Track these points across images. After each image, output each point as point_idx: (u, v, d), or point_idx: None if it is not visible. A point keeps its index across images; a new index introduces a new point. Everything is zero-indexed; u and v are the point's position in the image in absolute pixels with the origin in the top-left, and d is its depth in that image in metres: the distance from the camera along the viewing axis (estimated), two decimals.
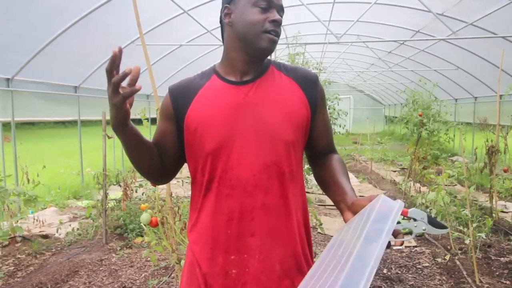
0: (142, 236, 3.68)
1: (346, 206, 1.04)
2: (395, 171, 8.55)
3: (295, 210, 1.14)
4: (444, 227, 0.91)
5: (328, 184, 1.17)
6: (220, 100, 1.11)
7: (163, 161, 1.18)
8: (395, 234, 0.91)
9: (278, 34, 1.09)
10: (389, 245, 0.89)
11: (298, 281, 1.12)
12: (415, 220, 0.91)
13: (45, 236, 4.34)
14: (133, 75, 0.91)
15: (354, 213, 0.99)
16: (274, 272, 1.11)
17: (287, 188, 1.12)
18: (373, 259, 0.77)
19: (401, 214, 0.91)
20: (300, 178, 1.18)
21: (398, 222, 0.91)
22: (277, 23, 1.07)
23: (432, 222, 0.91)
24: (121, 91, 0.93)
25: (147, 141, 1.12)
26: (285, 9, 1.15)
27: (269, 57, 1.22)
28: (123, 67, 0.92)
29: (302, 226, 1.18)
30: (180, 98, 1.15)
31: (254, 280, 1.10)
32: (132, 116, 1.07)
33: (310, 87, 1.17)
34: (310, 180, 6.10)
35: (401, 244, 0.91)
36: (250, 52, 1.11)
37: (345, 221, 1.02)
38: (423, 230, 0.91)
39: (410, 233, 0.92)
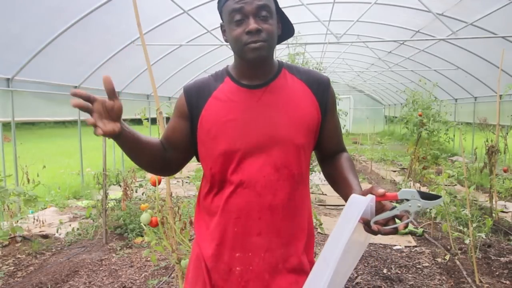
0: (142, 236, 3.69)
1: None
2: (395, 171, 8.55)
3: (302, 211, 1.17)
4: (437, 197, 0.93)
5: (337, 182, 1.20)
6: (234, 102, 1.13)
7: (168, 155, 1.20)
8: (400, 217, 0.94)
9: (260, 40, 1.05)
10: (396, 232, 0.95)
11: (302, 280, 1.15)
12: (407, 200, 0.94)
13: (45, 236, 4.34)
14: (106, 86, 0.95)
15: None
16: (277, 271, 1.13)
17: (296, 190, 1.14)
18: (331, 262, 0.87)
19: (392, 199, 0.95)
20: (307, 180, 1.21)
21: (394, 207, 0.95)
22: (253, 32, 1.04)
23: (425, 196, 0.93)
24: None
25: (147, 141, 1.13)
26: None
27: (277, 59, 1.23)
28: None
29: (306, 226, 1.20)
30: (195, 98, 1.16)
31: (257, 278, 1.12)
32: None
33: (322, 91, 1.18)
34: (310, 180, 6.10)
35: (406, 227, 0.93)
36: (246, 62, 1.12)
37: None
38: (419, 206, 0.93)
39: (409, 214, 0.95)
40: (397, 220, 0.96)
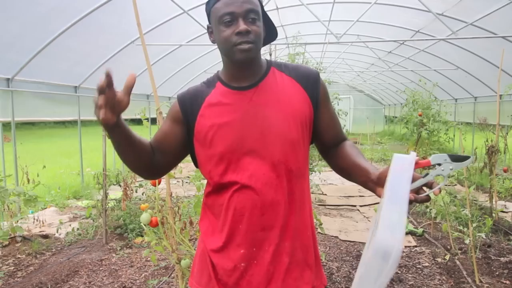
0: (142, 236, 3.68)
1: (374, 183, 1.09)
2: None
3: (303, 205, 1.20)
4: (467, 157, 0.95)
5: (348, 169, 1.21)
6: (227, 105, 1.16)
7: (156, 159, 1.21)
8: (429, 185, 0.96)
9: (249, 41, 1.09)
10: (429, 199, 0.96)
11: (306, 273, 1.19)
12: (439, 165, 0.96)
13: (45, 236, 4.34)
14: (127, 82, 0.98)
15: (383, 185, 1.04)
16: (282, 264, 1.16)
17: (295, 184, 1.17)
18: (399, 210, 0.80)
19: (425, 165, 0.96)
20: (306, 174, 1.23)
21: (427, 174, 0.96)
22: (243, 33, 1.08)
23: (455, 158, 0.96)
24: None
25: (139, 141, 1.14)
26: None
27: (268, 58, 1.24)
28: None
29: (309, 220, 1.23)
30: (189, 105, 1.19)
31: (262, 271, 1.15)
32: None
33: (312, 85, 1.21)
34: (310, 180, 6.11)
35: (440, 192, 0.95)
36: (234, 63, 1.15)
37: (379, 196, 1.07)
38: (451, 169, 0.95)
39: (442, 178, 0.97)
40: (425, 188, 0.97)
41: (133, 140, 1.11)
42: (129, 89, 0.98)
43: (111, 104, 0.96)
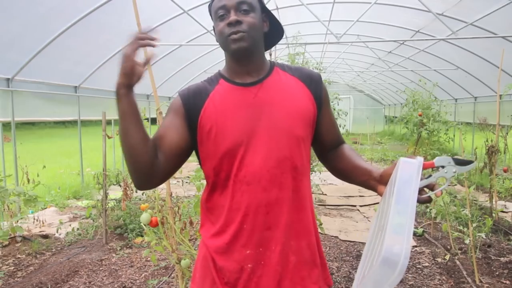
0: (142, 236, 3.69)
1: (376, 181, 1.12)
2: None
3: (305, 203, 1.19)
4: (470, 162, 0.96)
5: (347, 171, 1.23)
6: (232, 101, 1.15)
7: (157, 160, 1.12)
8: (431, 187, 0.97)
9: (240, 31, 1.10)
10: (430, 200, 0.97)
11: (314, 272, 1.18)
12: (443, 167, 0.97)
13: (45, 236, 4.34)
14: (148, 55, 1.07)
15: (386, 183, 1.07)
16: (289, 263, 1.14)
17: (299, 182, 1.16)
18: (407, 219, 0.80)
19: (429, 167, 0.97)
20: (308, 173, 1.23)
21: (430, 176, 0.97)
22: (233, 24, 1.10)
23: (459, 162, 0.97)
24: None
25: (143, 127, 1.11)
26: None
27: (268, 58, 1.24)
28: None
29: (311, 219, 1.22)
30: (192, 101, 1.17)
31: (270, 271, 1.13)
32: None
33: (315, 85, 1.23)
34: (310, 180, 6.10)
35: (441, 194, 0.96)
36: (231, 55, 1.17)
37: (380, 194, 1.10)
38: (454, 172, 0.96)
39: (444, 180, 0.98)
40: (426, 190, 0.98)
41: (138, 117, 1.10)
42: (147, 61, 1.08)
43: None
